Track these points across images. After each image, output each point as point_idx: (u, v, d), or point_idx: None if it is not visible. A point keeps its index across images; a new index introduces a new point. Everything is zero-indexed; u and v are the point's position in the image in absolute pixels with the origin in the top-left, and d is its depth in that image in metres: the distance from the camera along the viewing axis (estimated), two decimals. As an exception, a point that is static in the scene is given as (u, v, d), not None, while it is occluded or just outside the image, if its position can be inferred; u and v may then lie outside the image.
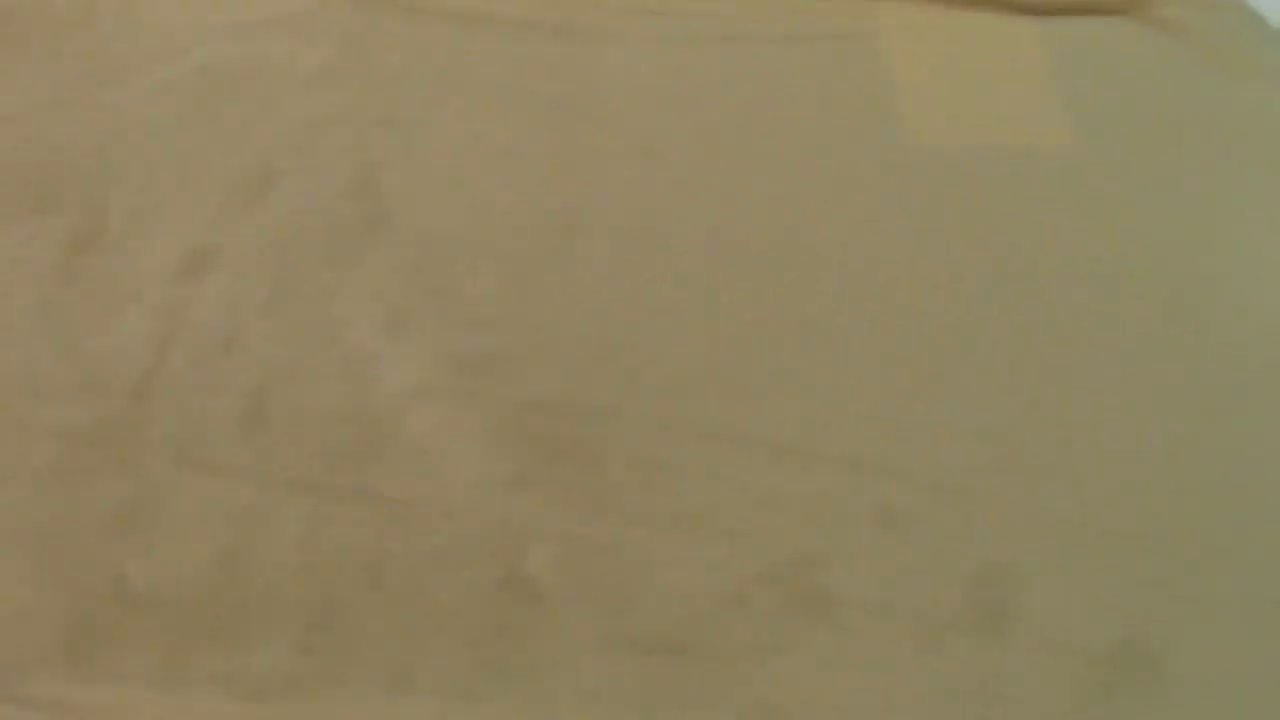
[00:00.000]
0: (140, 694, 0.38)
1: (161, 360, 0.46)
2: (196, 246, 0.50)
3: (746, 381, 0.46)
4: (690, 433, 0.44)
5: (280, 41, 0.59)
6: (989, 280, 0.49)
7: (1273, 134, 0.55)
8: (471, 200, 0.52)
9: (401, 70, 0.57)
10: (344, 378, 0.46)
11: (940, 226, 0.51)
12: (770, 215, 0.51)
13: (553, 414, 0.45)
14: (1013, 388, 0.46)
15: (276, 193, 0.52)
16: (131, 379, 0.45)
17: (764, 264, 0.49)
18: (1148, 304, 0.49)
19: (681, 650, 0.39)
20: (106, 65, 0.58)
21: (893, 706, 0.38)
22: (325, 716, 0.38)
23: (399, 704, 0.38)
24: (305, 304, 0.48)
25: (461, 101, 0.56)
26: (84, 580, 0.40)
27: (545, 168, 0.53)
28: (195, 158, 0.54)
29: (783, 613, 0.40)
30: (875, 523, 0.42)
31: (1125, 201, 0.52)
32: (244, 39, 0.59)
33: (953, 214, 0.51)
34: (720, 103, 0.56)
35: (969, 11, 0.60)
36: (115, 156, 0.54)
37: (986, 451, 0.44)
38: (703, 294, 0.48)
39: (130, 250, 0.50)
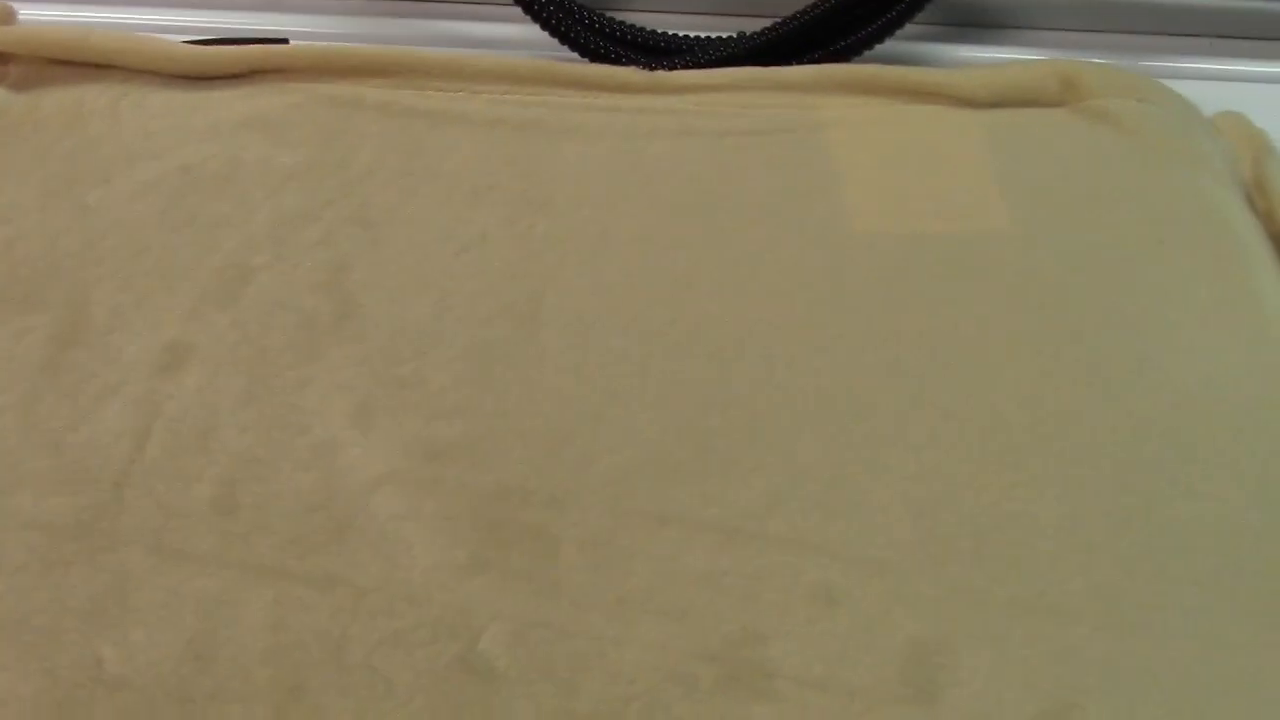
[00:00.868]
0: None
1: (139, 452, 0.48)
2: (174, 341, 0.53)
3: (696, 467, 0.48)
4: (640, 517, 0.46)
5: (257, 141, 0.62)
6: (928, 361, 0.52)
7: (1201, 217, 0.58)
8: (437, 292, 0.54)
9: (372, 167, 0.60)
10: (312, 466, 0.48)
11: (881, 311, 0.54)
12: (719, 301, 0.54)
13: (511, 500, 0.47)
14: (949, 466, 0.48)
15: (251, 288, 0.55)
16: (110, 471, 0.48)
17: (712, 348, 0.52)
18: (1081, 383, 0.51)
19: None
20: (92, 165, 0.60)
21: (829, 777, 0.41)
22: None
23: (361, 781, 0.40)
24: (277, 396, 0.51)
25: (429, 196, 0.59)
26: (62, 665, 0.42)
27: (509, 259, 0.56)
28: (174, 254, 0.56)
29: (725, 689, 0.42)
30: (815, 601, 0.44)
31: (1059, 284, 0.55)
32: (223, 139, 0.62)
33: (892, 299, 0.54)
34: (674, 193, 0.59)
35: (913, 104, 0.63)
36: (98, 254, 0.56)
37: (922, 530, 0.46)
38: (655, 381, 0.51)
39: (111, 346, 0.52)
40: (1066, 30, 0.73)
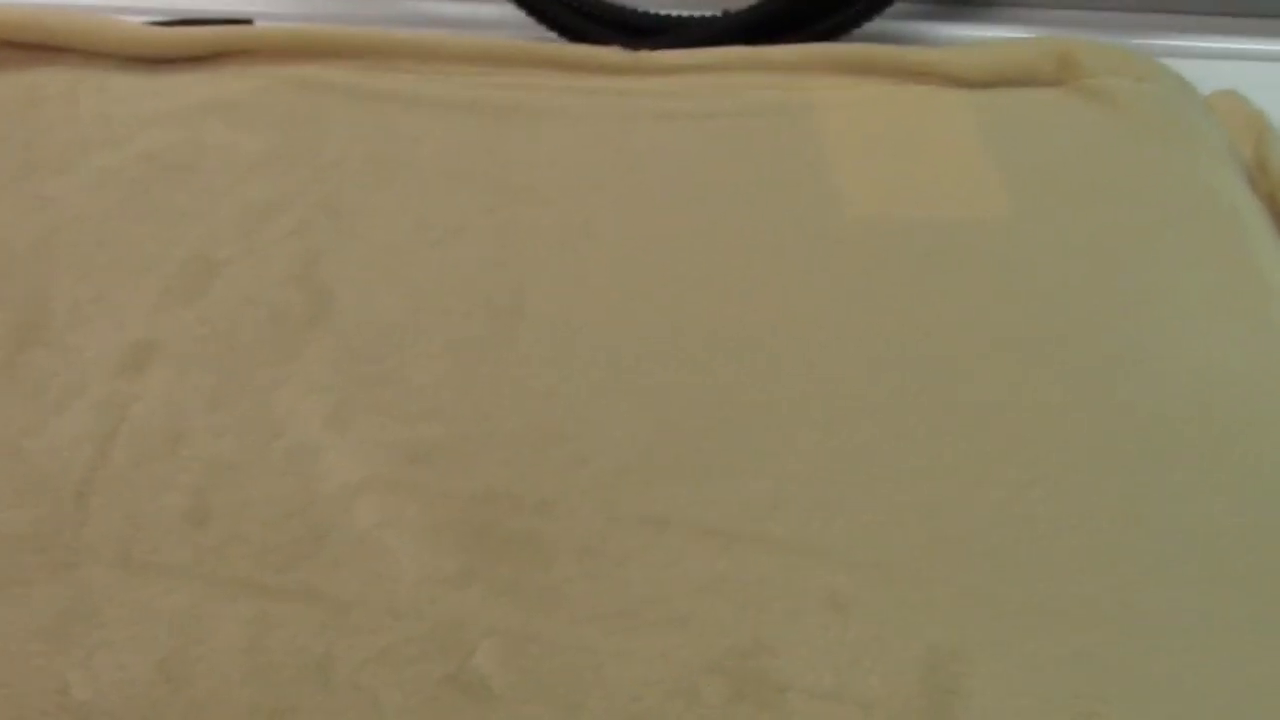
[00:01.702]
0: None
1: (104, 459, 0.46)
2: (139, 340, 0.50)
3: (691, 467, 0.46)
4: (635, 521, 0.44)
5: (222, 127, 0.59)
6: (924, 355, 0.50)
7: (1202, 200, 0.56)
8: (414, 286, 0.52)
9: (343, 154, 0.57)
10: (288, 472, 0.46)
11: (877, 302, 0.52)
12: (709, 293, 0.52)
13: (498, 505, 0.45)
14: (953, 466, 0.46)
15: (218, 282, 0.52)
16: (72, 480, 0.45)
17: (704, 344, 0.50)
18: (1088, 375, 0.50)
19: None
20: (49, 154, 0.58)
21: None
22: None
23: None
24: (249, 397, 0.48)
25: (402, 184, 0.56)
26: (26, 691, 0.40)
27: (487, 250, 0.53)
28: (136, 247, 0.53)
29: (732, 703, 0.40)
30: (824, 608, 0.42)
31: (1061, 272, 0.53)
32: (186, 125, 0.59)
33: (888, 289, 0.52)
34: (659, 180, 0.57)
35: (904, 85, 0.61)
36: (56, 247, 0.53)
37: (929, 533, 0.44)
38: (645, 377, 0.49)
39: (72, 345, 0.50)
40: (1060, 8, 0.71)
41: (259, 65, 0.62)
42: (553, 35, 0.68)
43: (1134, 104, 0.60)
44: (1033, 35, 0.65)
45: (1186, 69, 0.62)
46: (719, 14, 0.67)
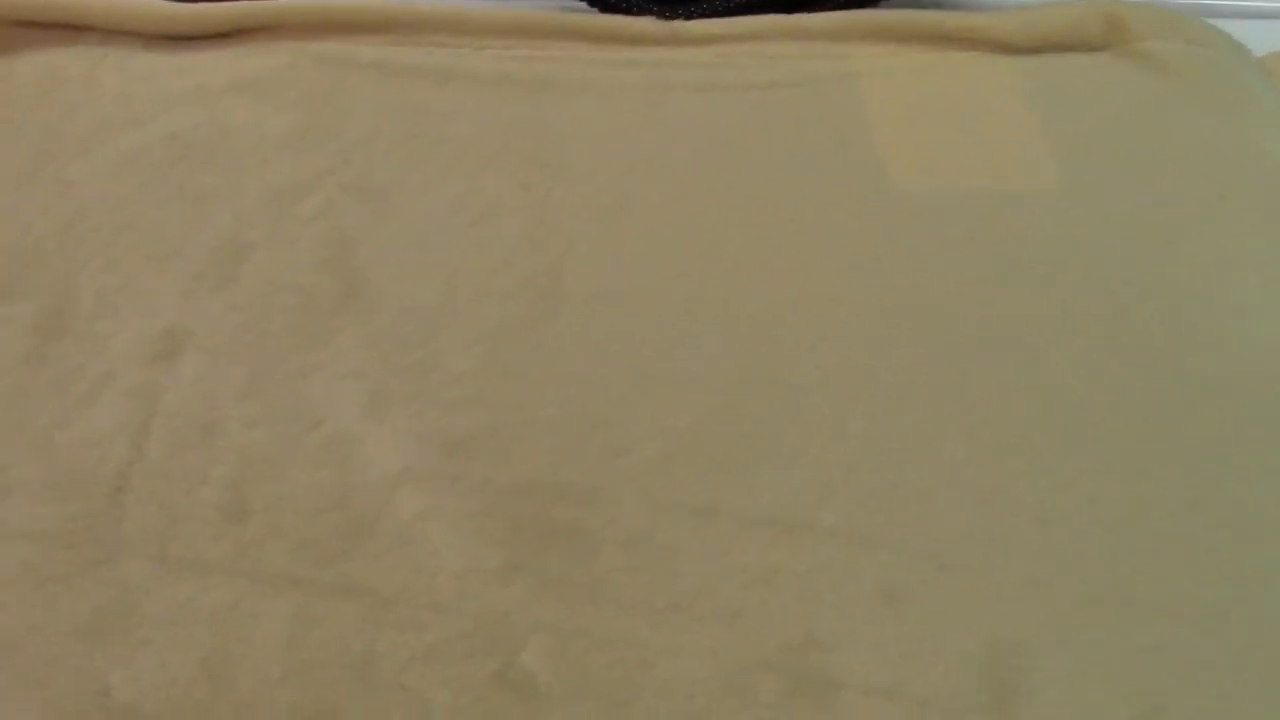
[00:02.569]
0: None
1: (137, 452, 0.45)
2: (168, 328, 0.49)
3: (738, 453, 0.45)
4: (683, 510, 0.43)
5: (246, 106, 0.58)
6: (978, 336, 0.48)
7: (1256, 169, 0.55)
8: (448, 268, 0.50)
9: (372, 132, 0.56)
10: (325, 463, 0.44)
11: (927, 279, 0.50)
12: (753, 272, 0.50)
13: (541, 496, 0.44)
14: (1007, 449, 0.45)
15: (248, 267, 0.51)
16: (107, 474, 0.44)
17: (749, 325, 0.48)
18: (1142, 353, 0.48)
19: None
20: (70, 137, 0.56)
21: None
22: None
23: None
24: (283, 386, 0.47)
25: (435, 163, 0.55)
26: (65, 693, 0.39)
27: (523, 230, 0.52)
28: (163, 232, 0.52)
29: (786, 700, 0.39)
30: (878, 601, 0.41)
31: (1113, 246, 0.51)
32: (209, 104, 0.57)
33: (938, 265, 0.51)
34: (698, 155, 0.55)
35: (948, 52, 0.59)
36: (80, 234, 0.52)
37: (985, 520, 0.43)
38: (689, 360, 0.47)
39: (100, 334, 0.49)
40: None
41: (283, 41, 0.60)
42: (583, 6, 0.66)
43: (1185, 68, 0.58)
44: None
45: (1238, 30, 0.60)
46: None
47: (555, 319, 0.49)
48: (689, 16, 0.62)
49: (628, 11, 0.64)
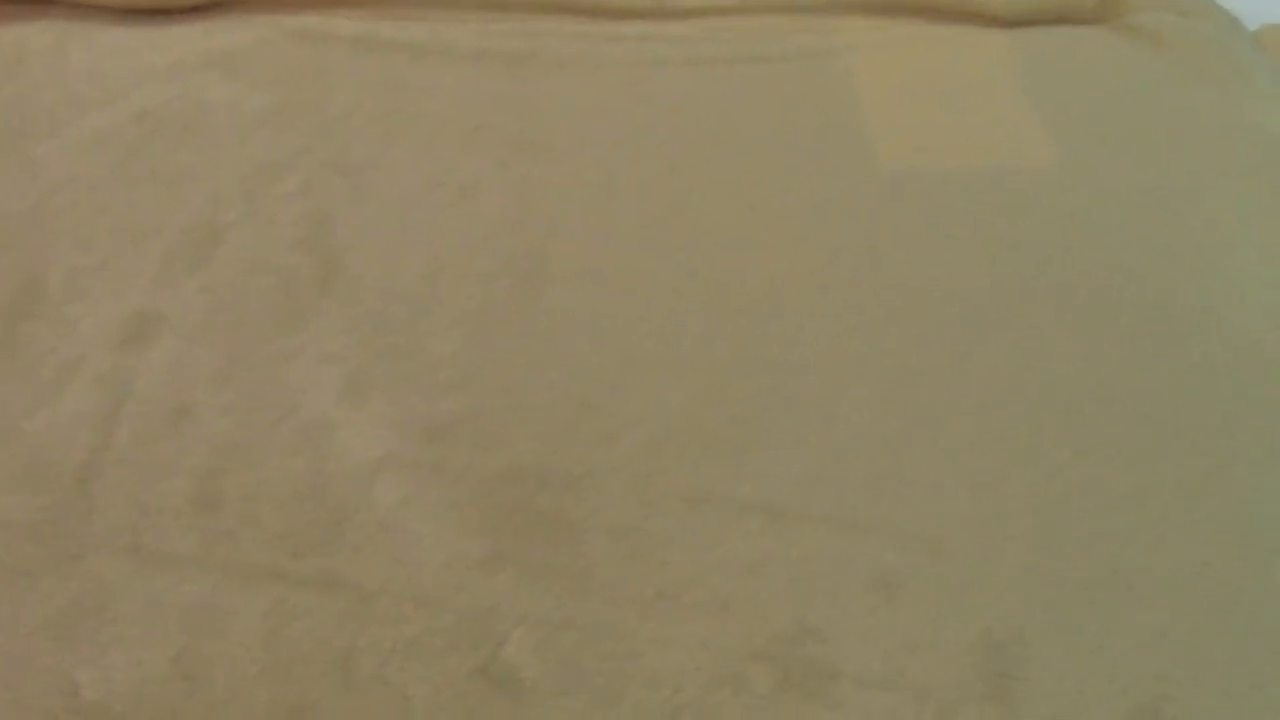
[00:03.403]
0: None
1: (106, 440, 0.43)
2: (140, 310, 0.47)
3: (729, 438, 0.43)
4: (673, 498, 0.42)
5: (221, 83, 0.56)
6: (973, 318, 0.47)
7: (1252, 142, 0.54)
8: (429, 248, 0.49)
9: (350, 109, 0.54)
10: (302, 451, 0.43)
11: (920, 258, 0.49)
12: (743, 252, 0.49)
13: (526, 483, 0.42)
14: (1003, 433, 0.44)
15: (224, 248, 0.49)
16: (75, 463, 0.43)
17: (739, 306, 0.47)
18: (1141, 336, 0.47)
19: None
20: (38, 115, 0.55)
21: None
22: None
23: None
24: (258, 371, 0.45)
25: (414, 140, 0.53)
26: (34, 692, 0.38)
27: (506, 209, 0.51)
28: (135, 212, 0.51)
29: (779, 692, 0.38)
30: (873, 589, 0.40)
31: (1110, 224, 0.50)
32: (182, 81, 0.56)
33: (931, 245, 0.49)
34: (684, 131, 0.54)
35: (938, 25, 0.58)
36: (50, 214, 0.51)
37: (981, 505, 0.42)
38: (678, 342, 0.46)
39: (70, 317, 0.47)
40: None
41: (258, 15, 0.59)
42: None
43: (1179, 41, 0.57)
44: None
45: (1232, 3, 0.59)
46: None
47: (539, 300, 0.47)
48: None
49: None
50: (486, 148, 0.53)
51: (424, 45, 0.57)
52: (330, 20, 0.58)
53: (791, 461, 0.43)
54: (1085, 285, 0.48)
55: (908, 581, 0.40)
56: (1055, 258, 0.49)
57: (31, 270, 0.48)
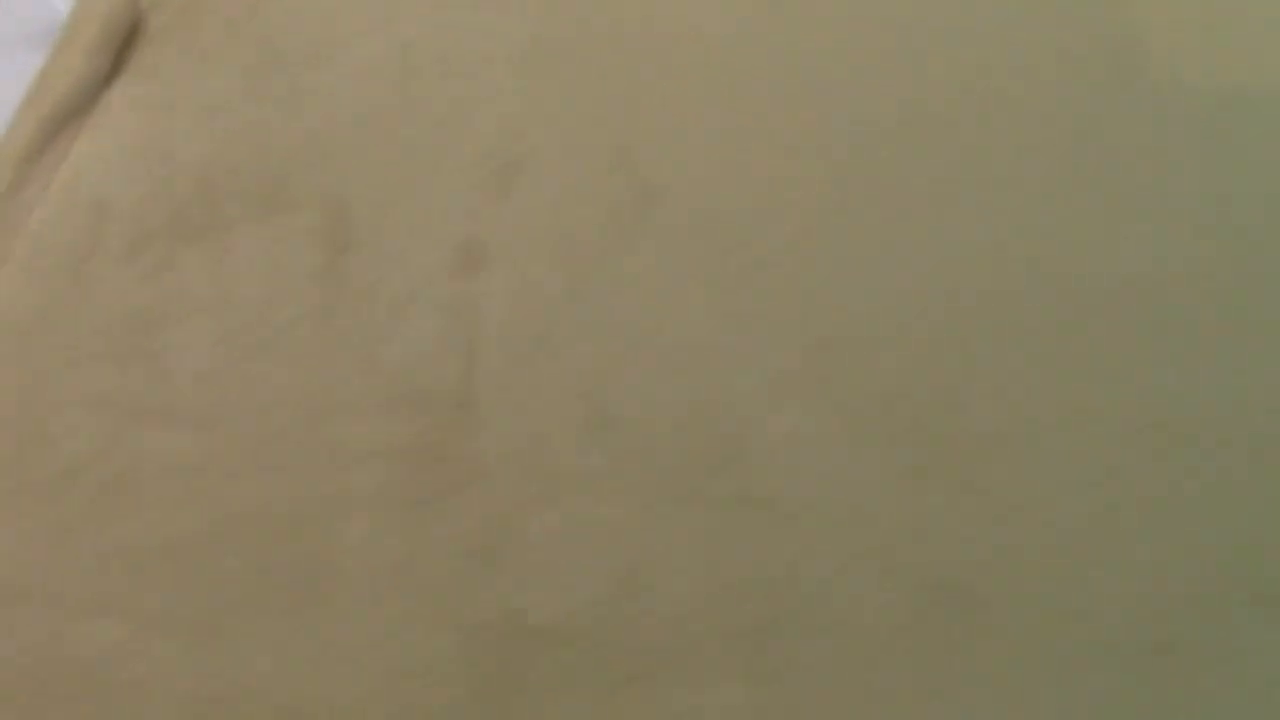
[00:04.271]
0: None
1: (473, 364, 0.41)
2: (462, 240, 0.45)
3: (1103, 362, 0.42)
4: (1080, 418, 0.40)
5: (474, 13, 0.54)
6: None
7: None
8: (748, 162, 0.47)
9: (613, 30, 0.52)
10: (682, 373, 0.41)
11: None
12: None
13: (915, 403, 0.41)
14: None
15: (526, 177, 0.47)
16: (446, 387, 0.41)
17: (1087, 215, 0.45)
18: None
19: (1152, 660, 0.35)
20: (296, 48, 0.52)
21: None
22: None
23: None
24: (609, 292, 0.43)
25: (698, 60, 0.51)
26: (477, 618, 0.35)
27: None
28: (423, 143, 0.49)
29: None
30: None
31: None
32: (435, 13, 0.54)
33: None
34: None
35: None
36: (334, 145, 0.49)
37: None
38: (1027, 252, 0.44)
39: (389, 249, 0.45)
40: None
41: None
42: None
43: None
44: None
45: None
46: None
47: (876, 212, 0.45)
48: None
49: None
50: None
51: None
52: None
53: (1179, 378, 0.41)
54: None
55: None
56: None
57: (332, 201, 0.46)
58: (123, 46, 0.53)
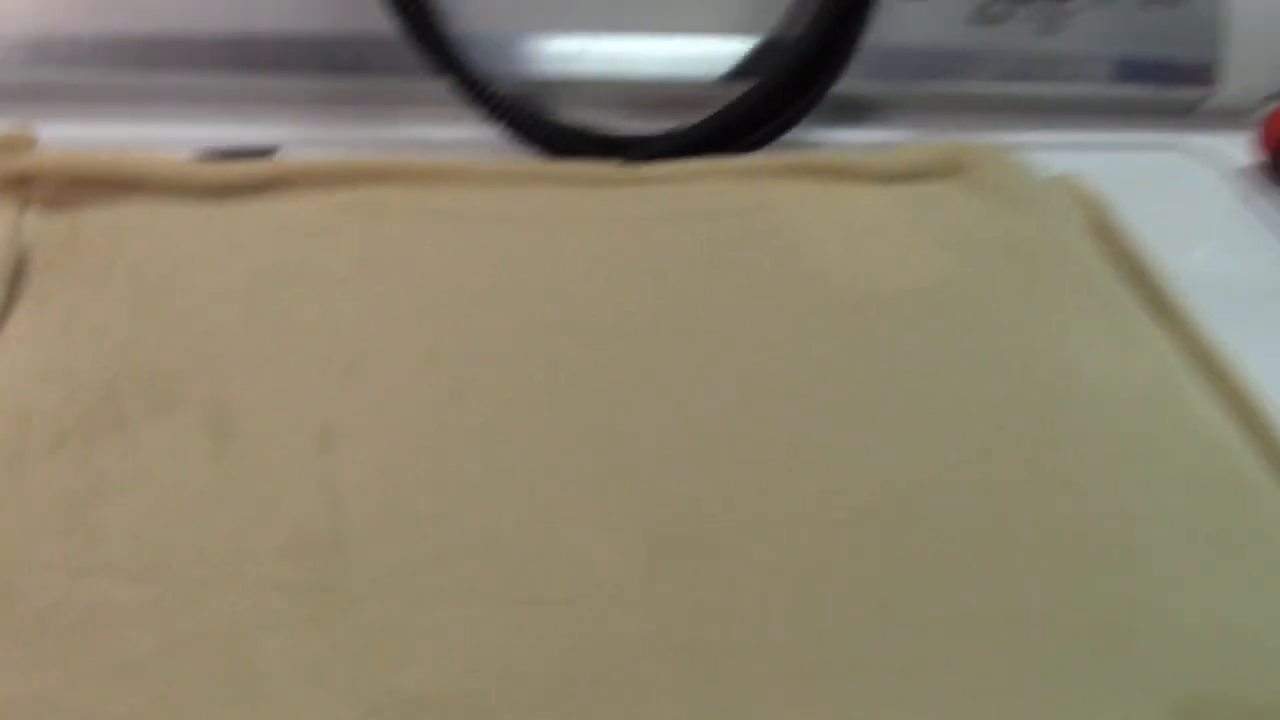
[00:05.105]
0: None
1: (340, 518, 0.55)
2: (320, 424, 0.60)
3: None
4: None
5: (305, 245, 0.70)
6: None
7: (1070, 260, 0.75)
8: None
9: (432, 264, 0.69)
10: (508, 510, 0.57)
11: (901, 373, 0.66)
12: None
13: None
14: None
15: (372, 370, 0.63)
16: (322, 538, 0.54)
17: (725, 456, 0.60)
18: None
19: None
20: (160, 277, 0.66)
21: None
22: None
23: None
24: (442, 455, 0.59)
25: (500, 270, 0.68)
26: (371, 695, 0.49)
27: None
28: (279, 348, 0.63)
29: None
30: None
31: (974, 324, 0.69)
32: (278, 246, 0.69)
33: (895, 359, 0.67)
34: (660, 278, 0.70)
35: (841, 184, 0.78)
36: (208, 354, 0.62)
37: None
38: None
39: (264, 434, 0.59)
40: (928, 112, 0.92)
41: (315, 191, 0.73)
42: (533, 153, 0.81)
43: (1003, 187, 0.79)
44: (909, 135, 0.85)
45: (1033, 158, 0.82)
46: (673, 130, 0.82)
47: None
48: (629, 160, 0.78)
49: (578, 157, 0.80)
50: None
51: (472, 212, 0.72)
52: (382, 192, 0.73)
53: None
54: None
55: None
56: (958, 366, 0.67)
57: (217, 398, 0.60)
58: (14, 279, 0.66)
